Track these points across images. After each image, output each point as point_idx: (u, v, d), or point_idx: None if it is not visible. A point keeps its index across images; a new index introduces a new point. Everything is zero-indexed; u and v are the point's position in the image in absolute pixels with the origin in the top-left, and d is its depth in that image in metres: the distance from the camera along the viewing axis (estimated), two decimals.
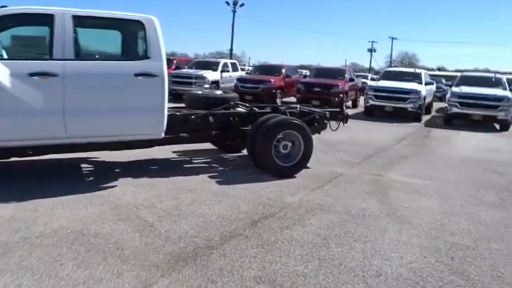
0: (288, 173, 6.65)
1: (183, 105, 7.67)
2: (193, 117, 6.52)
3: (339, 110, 7.99)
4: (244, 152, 7.58)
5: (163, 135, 5.98)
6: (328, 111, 7.69)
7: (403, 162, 8.38)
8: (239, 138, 7.22)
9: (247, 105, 7.17)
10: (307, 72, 26.41)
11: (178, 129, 6.39)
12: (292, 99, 20.02)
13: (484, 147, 11.12)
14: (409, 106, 16.49)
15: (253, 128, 6.72)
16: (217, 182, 6.21)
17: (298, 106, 7.50)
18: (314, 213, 5.13)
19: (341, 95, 17.77)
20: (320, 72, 20.21)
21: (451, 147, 10.84)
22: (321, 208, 5.31)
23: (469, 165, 8.50)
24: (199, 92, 7.38)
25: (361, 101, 20.95)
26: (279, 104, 10.84)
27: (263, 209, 5.16)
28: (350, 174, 7.15)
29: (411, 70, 19.96)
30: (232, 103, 7.03)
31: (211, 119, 6.63)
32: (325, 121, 7.79)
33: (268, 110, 7.38)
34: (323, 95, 17.54)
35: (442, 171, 7.75)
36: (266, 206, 5.29)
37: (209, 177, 6.44)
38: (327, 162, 7.87)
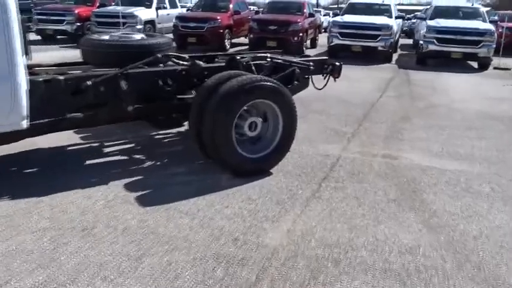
0: (258, 168, 4.11)
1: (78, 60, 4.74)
2: (90, 82, 3.71)
3: (326, 58, 5.39)
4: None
5: (26, 123, 3.19)
6: (312, 60, 5.08)
7: (409, 128, 6.05)
8: (177, 113, 4.49)
9: (186, 56, 4.41)
10: (257, 8, 23.17)
11: (62, 106, 3.60)
12: (243, 40, 17.03)
13: (484, 93, 9.05)
14: (379, 44, 14.06)
15: (198, 96, 4.04)
16: (138, 199, 3.57)
17: (269, 55, 4.82)
18: (326, 277, 2.67)
19: (301, 34, 15.04)
20: (274, 6, 17.13)
21: (446, 96, 8.66)
22: (334, 260, 2.85)
23: (492, 126, 6.32)
24: (105, 37, 4.46)
25: (320, 39, 18.37)
26: (236, 52, 7.82)
27: (224, 281, 2.63)
28: (350, 158, 4.72)
29: (378, 1, 17.40)
30: (161, 54, 4.21)
31: (124, 84, 3.85)
32: (307, 76, 5.22)
33: (221, 63, 4.66)
34: (280, 34, 14.73)
35: (468, 141, 5.50)
36: (229, 266, 2.75)
37: (126, 188, 3.77)
38: (310, 136, 5.39)
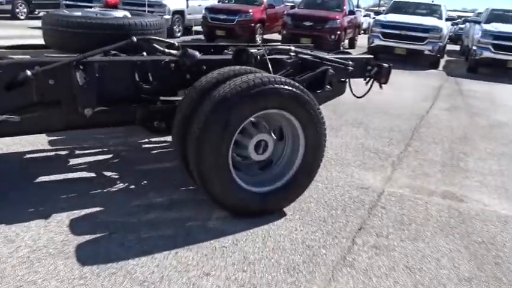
0: (266, 207, 2.88)
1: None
2: (31, 73, 2.58)
3: (370, 57, 4.07)
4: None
5: None
6: (352, 59, 3.79)
7: (473, 154, 4.65)
8: (159, 121, 3.30)
9: (175, 43, 3.21)
10: (293, 3, 21.87)
11: None
12: (276, 36, 15.78)
13: None
14: (426, 48, 12.54)
15: (186, 100, 2.84)
16: (79, 250, 2.40)
17: (293, 48, 3.57)
18: None
19: (339, 32, 13.65)
20: (312, 1, 15.76)
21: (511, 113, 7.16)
22: None
23: None
24: (76, 13, 3.31)
25: (359, 40, 16.90)
26: (254, 44, 6.47)
27: None
28: (397, 196, 3.41)
29: (427, 1, 15.77)
30: (138, 37, 3.02)
31: (80, 77, 2.68)
32: (344, 79, 3.94)
33: (227, 56, 3.43)
34: (316, 31, 13.40)
35: None
36: None
37: (70, 228, 2.61)
38: (342, 157, 4.10)
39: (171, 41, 3.17)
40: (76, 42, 3.25)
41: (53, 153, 3.76)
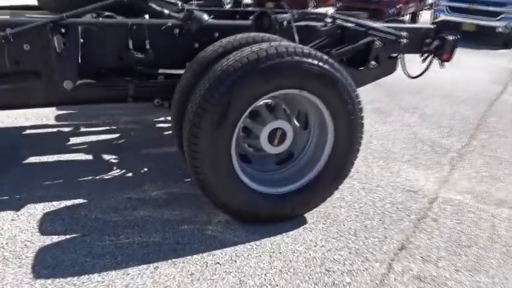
0: (281, 213, 2.28)
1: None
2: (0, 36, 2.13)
3: (430, 27, 3.27)
4: None
5: None
6: (406, 29, 3.03)
7: None
8: (160, 99, 2.76)
9: (178, 2, 2.62)
10: None
11: None
12: (330, 10, 14.72)
13: None
14: (500, 25, 11.11)
15: (185, 75, 2.28)
16: (36, 259, 1.94)
17: (329, 13, 2.87)
18: None
19: (399, 5, 12.46)
20: None
21: None
22: None
23: None
24: None
25: (424, 15, 15.45)
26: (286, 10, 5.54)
27: None
28: (454, 204, 2.69)
29: None
30: None
31: (57, 41, 2.19)
32: (396, 55, 3.20)
33: (244, 21, 2.78)
34: (373, 4, 12.31)
35: None
36: None
37: (39, 225, 2.16)
38: (388, 149, 3.39)
39: (173, 0, 2.59)
40: (71, 3, 2.75)
41: (55, 129, 3.36)
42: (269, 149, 2.25)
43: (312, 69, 2.04)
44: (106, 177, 2.68)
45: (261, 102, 2.25)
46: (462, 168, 3.21)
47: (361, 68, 2.89)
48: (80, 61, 2.29)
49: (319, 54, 2.08)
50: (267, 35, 2.37)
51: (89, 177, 2.65)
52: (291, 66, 2.00)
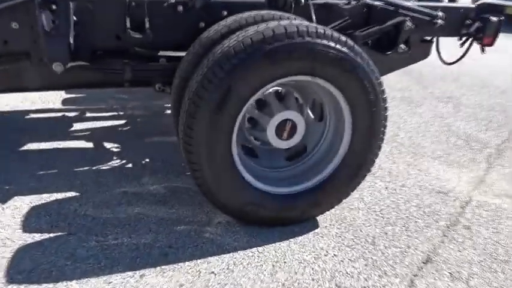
0: (284, 216, 2.01)
1: None
2: None
3: (472, 6, 2.89)
4: None
5: None
6: (444, 8, 2.66)
7: None
8: (162, 84, 2.52)
9: None
10: None
11: None
12: None
13: None
14: None
15: (187, 57, 2.02)
16: (13, 262, 1.75)
17: None
18: None
19: None
20: None
21: None
22: None
23: None
24: None
25: None
26: None
27: None
28: (491, 210, 2.36)
29: None
30: None
31: (45, 19, 1.97)
32: (431, 38, 2.85)
33: None
34: None
35: None
36: None
37: (21, 223, 1.98)
38: (417, 143, 3.06)
39: None
40: None
41: (59, 114, 3.20)
42: (277, 143, 1.98)
43: (327, 53, 1.75)
44: (104, 167, 2.48)
45: (270, 90, 1.99)
46: (501, 167, 2.85)
47: (389, 53, 2.57)
48: (72, 41, 2.07)
49: (336, 35, 1.79)
50: (279, 13, 2.08)
51: (86, 167, 2.46)
52: (302, 48, 1.71)
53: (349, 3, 2.48)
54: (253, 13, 2.05)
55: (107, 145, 2.76)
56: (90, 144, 2.75)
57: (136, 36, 2.16)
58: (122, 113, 3.29)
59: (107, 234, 1.92)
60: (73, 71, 2.13)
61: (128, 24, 2.15)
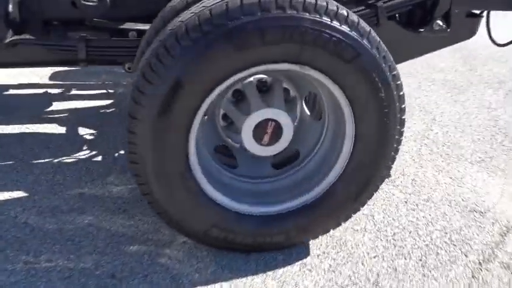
0: (262, 242, 1.57)
1: None
2: None
3: None
4: None
5: None
6: None
7: None
8: (131, 62, 2.10)
9: None
10: None
11: None
12: None
13: None
14: None
15: (148, 32, 1.57)
16: None
17: None
18: None
19: None
20: None
21: None
22: None
23: None
24: None
25: None
26: None
27: None
28: None
29: None
30: None
31: None
32: (480, 12, 2.23)
33: None
34: None
35: None
36: None
37: None
38: (451, 143, 2.50)
39: None
40: None
41: (42, 90, 2.85)
42: (255, 149, 1.52)
43: (319, 34, 1.25)
44: (67, 160, 2.12)
45: (251, 79, 1.52)
46: None
47: (421, 30, 2.02)
48: (11, 9, 1.68)
49: (332, 6, 1.28)
50: None
51: (47, 159, 2.11)
52: (281, 26, 1.23)
53: None
54: None
55: (81, 131, 2.39)
56: (62, 129, 2.39)
57: (93, 5, 1.73)
58: (111, 91, 2.90)
59: (42, 252, 1.57)
60: (17, 47, 1.75)
61: None
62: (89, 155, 2.18)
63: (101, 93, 2.86)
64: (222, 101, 1.57)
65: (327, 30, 1.25)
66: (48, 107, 2.62)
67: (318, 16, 1.24)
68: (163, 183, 1.39)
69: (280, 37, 1.24)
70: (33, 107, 2.60)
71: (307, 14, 1.23)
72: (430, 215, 1.92)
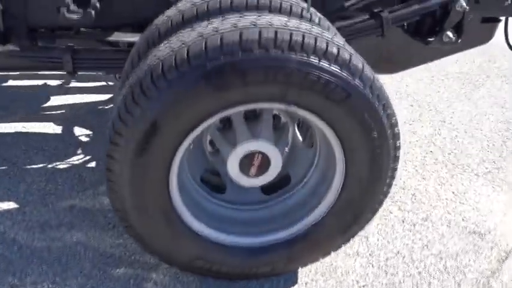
0: (253, 272, 1.54)
1: None
2: None
3: None
4: None
5: None
6: None
7: None
8: (118, 73, 2.01)
9: None
10: None
11: None
12: None
13: None
14: None
15: (134, 50, 1.49)
16: None
17: None
18: None
19: None
20: None
21: None
22: None
23: None
24: None
25: None
26: None
27: None
28: None
29: None
30: None
31: None
32: (494, 18, 2.07)
33: None
34: None
35: None
36: None
37: None
38: (457, 150, 2.39)
39: None
40: None
41: (42, 81, 2.81)
42: (242, 181, 1.46)
43: (306, 74, 1.17)
44: (61, 165, 2.10)
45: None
46: None
47: (430, 40, 1.89)
48: None
49: (321, 43, 1.18)
50: None
51: (41, 165, 2.10)
52: (264, 67, 1.14)
53: None
54: None
55: (78, 131, 2.36)
56: (58, 129, 2.36)
57: (79, 14, 1.65)
58: (111, 87, 2.84)
59: (27, 274, 1.57)
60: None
61: None
62: (82, 160, 2.15)
63: (106, 86, 2.80)
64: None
65: (315, 71, 1.16)
66: (45, 104, 2.59)
67: (305, 56, 1.15)
68: (143, 218, 1.35)
69: (263, 78, 1.15)
70: (29, 104, 2.57)
71: (293, 53, 1.14)
72: (426, 236, 1.87)
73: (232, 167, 1.42)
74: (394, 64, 2.12)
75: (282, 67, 1.14)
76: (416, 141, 2.48)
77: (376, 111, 1.25)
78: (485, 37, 2.15)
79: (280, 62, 1.14)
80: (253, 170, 1.43)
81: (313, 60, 1.15)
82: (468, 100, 2.97)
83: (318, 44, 1.16)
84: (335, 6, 1.79)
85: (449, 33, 1.85)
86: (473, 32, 2.04)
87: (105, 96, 2.67)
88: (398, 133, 1.34)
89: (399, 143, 1.36)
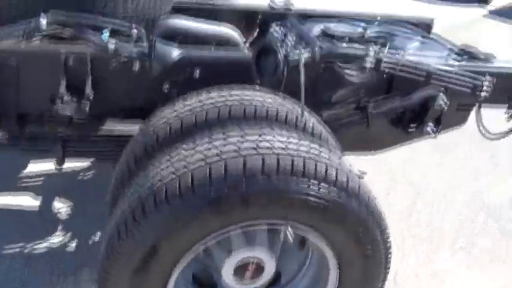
0: None
1: None
2: None
3: None
4: None
5: None
6: (492, 72, 1.97)
7: None
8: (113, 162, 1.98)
9: (133, 27, 1.74)
10: None
11: None
12: None
13: None
14: None
15: (127, 151, 1.49)
16: None
17: (372, 53, 1.84)
18: None
19: None
20: None
21: None
22: None
23: None
24: None
25: None
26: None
27: None
28: None
29: None
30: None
31: None
32: (468, 105, 2.18)
33: (248, 51, 1.87)
34: None
35: None
36: None
37: None
38: (434, 226, 2.47)
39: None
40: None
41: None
42: (236, 286, 1.46)
43: (306, 200, 1.20)
44: (40, 244, 2.03)
45: None
46: None
47: (411, 130, 1.99)
48: None
49: (320, 168, 1.22)
50: (267, 98, 1.50)
51: (20, 243, 2.02)
52: (265, 194, 1.17)
53: (364, 70, 1.85)
54: (224, 93, 1.49)
55: (58, 204, 2.30)
56: (37, 201, 2.29)
57: (74, 105, 1.64)
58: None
59: None
60: None
61: (62, 88, 1.63)
62: (64, 236, 2.09)
63: None
64: None
65: (313, 197, 1.20)
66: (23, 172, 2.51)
67: (306, 181, 1.19)
68: None
69: (265, 202, 1.18)
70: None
71: (294, 179, 1.18)
72: None
73: (227, 273, 1.41)
74: (374, 146, 2.20)
75: (283, 192, 1.18)
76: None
77: (371, 228, 1.30)
78: (461, 120, 2.27)
79: (282, 187, 1.17)
80: (246, 276, 1.43)
81: (314, 185, 1.19)
82: (442, 163, 3.03)
83: (318, 169, 1.21)
84: (324, 99, 1.85)
85: (429, 128, 1.95)
86: (450, 118, 2.17)
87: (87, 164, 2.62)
88: (390, 246, 1.39)
89: (391, 255, 1.40)
